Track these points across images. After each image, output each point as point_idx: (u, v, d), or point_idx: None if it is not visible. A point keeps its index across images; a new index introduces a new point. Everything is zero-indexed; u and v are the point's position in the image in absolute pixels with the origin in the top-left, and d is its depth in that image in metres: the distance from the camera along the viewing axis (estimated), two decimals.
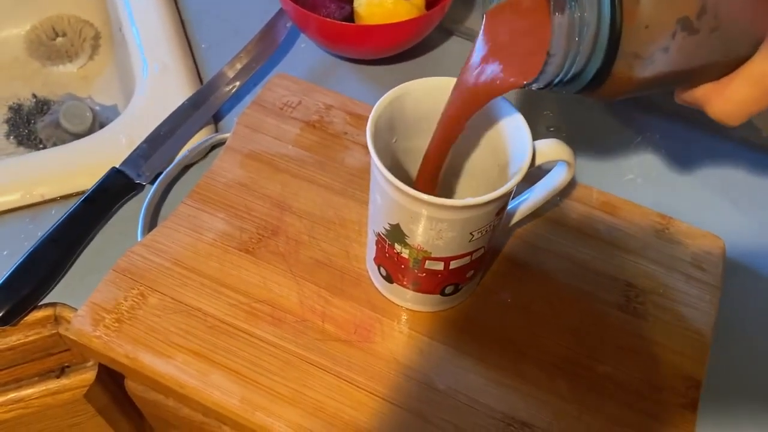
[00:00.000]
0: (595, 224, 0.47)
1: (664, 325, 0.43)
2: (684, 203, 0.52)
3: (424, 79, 0.37)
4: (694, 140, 0.56)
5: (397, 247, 0.37)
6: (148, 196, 0.48)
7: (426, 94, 0.37)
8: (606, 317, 0.43)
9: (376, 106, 0.36)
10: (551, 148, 0.37)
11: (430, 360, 0.41)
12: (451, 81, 0.35)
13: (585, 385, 0.40)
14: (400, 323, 0.42)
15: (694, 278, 0.45)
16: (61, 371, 0.49)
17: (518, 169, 0.34)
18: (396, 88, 0.37)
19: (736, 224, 0.51)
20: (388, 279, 0.41)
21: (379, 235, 0.38)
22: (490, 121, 0.37)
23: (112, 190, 0.48)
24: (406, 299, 0.42)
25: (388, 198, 0.35)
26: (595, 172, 0.52)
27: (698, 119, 0.57)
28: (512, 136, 0.37)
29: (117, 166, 0.49)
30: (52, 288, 0.45)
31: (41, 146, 0.72)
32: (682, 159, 0.55)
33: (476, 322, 0.43)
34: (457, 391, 0.40)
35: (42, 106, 0.76)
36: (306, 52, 0.60)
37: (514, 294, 0.44)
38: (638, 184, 0.53)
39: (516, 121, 0.36)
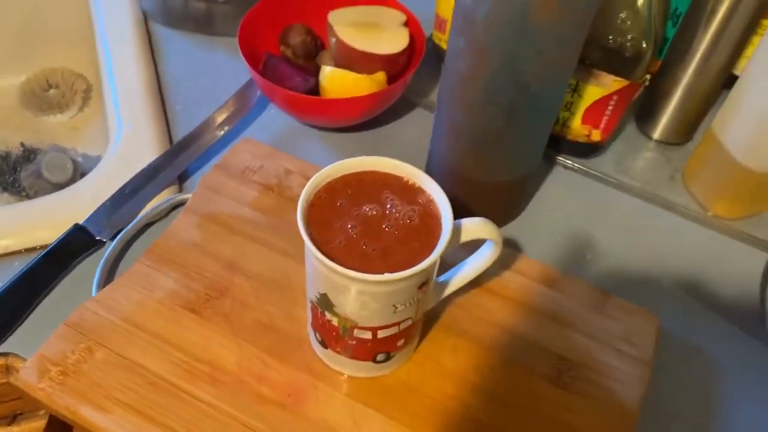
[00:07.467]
0: (534, 296, 0.49)
1: (592, 399, 0.44)
2: (622, 275, 0.53)
3: (349, 159, 0.40)
4: (638, 214, 0.58)
5: (328, 315, 0.39)
6: (106, 253, 0.50)
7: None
8: (537, 389, 0.44)
9: (309, 184, 0.38)
10: (477, 227, 0.39)
11: (362, 427, 0.42)
12: (375, 159, 0.38)
13: None
14: (337, 389, 0.43)
15: (625, 354, 0.47)
16: (13, 419, 0.51)
17: (438, 247, 0.36)
18: (324, 169, 0.39)
19: (674, 301, 0.53)
20: (323, 344, 0.42)
21: (312, 302, 0.40)
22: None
23: (73, 246, 0.50)
24: (342, 364, 0.43)
25: (314, 268, 0.37)
26: (546, 247, 0.54)
27: (647, 196, 0.59)
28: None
29: (80, 223, 0.51)
30: (7, 338, 0.47)
31: (24, 194, 0.75)
32: (627, 234, 0.57)
33: (411, 389, 0.44)
34: None
35: (29, 154, 0.79)
36: (275, 117, 0.63)
37: (450, 362, 0.45)
38: (582, 256, 0.55)
39: (442, 201, 0.38)
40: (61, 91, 0.84)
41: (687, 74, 0.58)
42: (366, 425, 0.42)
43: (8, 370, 0.47)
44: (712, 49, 0.55)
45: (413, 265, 0.35)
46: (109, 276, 0.50)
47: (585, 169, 0.60)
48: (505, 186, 0.52)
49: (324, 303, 0.38)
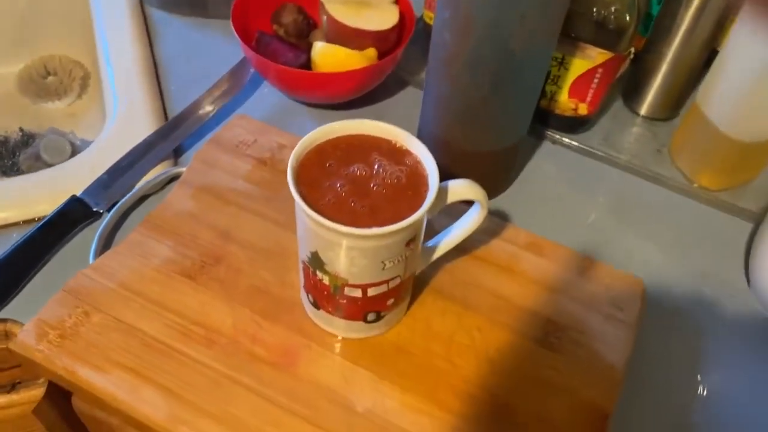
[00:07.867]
0: (522, 263, 0.50)
1: (578, 359, 0.45)
2: (610, 246, 0.54)
3: (339, 122, 0.41)
4: (625, 187, 0.59)
5: (319, 274, 0.40)
6: (104, 223, 0.51)
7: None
8: (523, 349, 0.46)
9: (299, 144, 0.39)
10: (463, 188, 0.40)
11: (353, 385, 0.43)
12: (364, 122, 0.39)
13: (497, 414, 0.42)
14: (328, 349, 0.45)
15: (611, 317, 0.48)
16: (12, 387, 0.51)
17: (425, 204, 0.37)
18: (314, 131, 0.40)
19: (660, 267, 0.54)
20: (315, 305, 0.44)
21: (303, 262, 0.41)
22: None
23: (70, 216, 0.51)
24: (333, 325, 0.45)
25: (305, 226, 0.38)
26: (534, 218, 0.55)
27: (634, 170, 0.60)
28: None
29: (77, 195, 0.52)
30: (6, 305, 0.48)
31: None
32: (614, 206, 0.58)
33: (401, 349, 0.45)
34: (374, 414, 0.42)
35: (27, 139, 0.80)
36: (268, 95, 0.64)
37: (439, 324, 0.46)
38: (570, 228, 0.56)
39: (429, 162, 0.39)
40: (59, 78, 0.85)
41: (671, 50, 0.59)
42: (356, 383, 0.43)
43: (7, 335, 0.48)
44: (694, 24, 0.56)
45: (400, 221, 0.36)
46: (105, 246, 0.51)
47: (573, 143, 0.61)
48: (492, 156, 0.53)
49: (315, 261, 0.40)
